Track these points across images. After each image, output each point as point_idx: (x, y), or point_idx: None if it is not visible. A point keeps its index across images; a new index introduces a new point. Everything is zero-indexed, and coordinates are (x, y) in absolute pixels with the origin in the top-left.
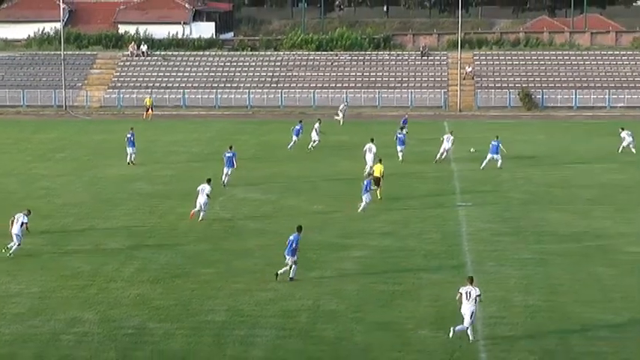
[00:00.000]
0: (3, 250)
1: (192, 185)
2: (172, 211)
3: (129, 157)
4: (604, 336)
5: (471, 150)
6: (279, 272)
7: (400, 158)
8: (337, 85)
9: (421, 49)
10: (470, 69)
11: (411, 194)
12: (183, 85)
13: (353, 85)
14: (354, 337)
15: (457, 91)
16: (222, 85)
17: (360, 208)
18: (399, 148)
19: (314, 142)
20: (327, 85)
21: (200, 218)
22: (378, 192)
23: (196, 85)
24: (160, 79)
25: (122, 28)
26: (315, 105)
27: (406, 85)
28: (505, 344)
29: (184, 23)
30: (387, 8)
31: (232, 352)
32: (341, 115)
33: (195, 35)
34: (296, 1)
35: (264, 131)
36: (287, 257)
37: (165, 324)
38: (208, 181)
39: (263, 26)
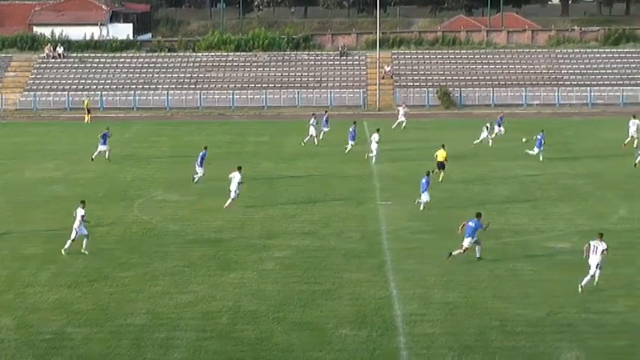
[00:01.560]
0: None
1: (110, 187)
2: (90, 214)
3: (97, 154)
4: (522, 331)
5: (523, 140)
6: (452, 253)
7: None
8: (256, 85)
9: (340, 48)
10: (388, 68)
11: (332, 194)
12: (101, 87)
13: (272, 85)
14: (274, 338)
15: (376, 90)
16: (141, 86)
17: (421, 207)
18: (350, 142)
19: (310, 136)
20: (246, 85)
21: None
22: (441, 175)
23: (114, 86)
24: (77, 81)
25: (38, 30)
26: (234, 106)
27: (325, 84)
28: (425, 341)
29: (101, 24)
30: (306, 8)
31: (152, 356)
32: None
33: (112, 37)
34: (214, 2)
35: (183, 132)
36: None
37: (84, 328)
38: (239, 169)
39: (181, 27)
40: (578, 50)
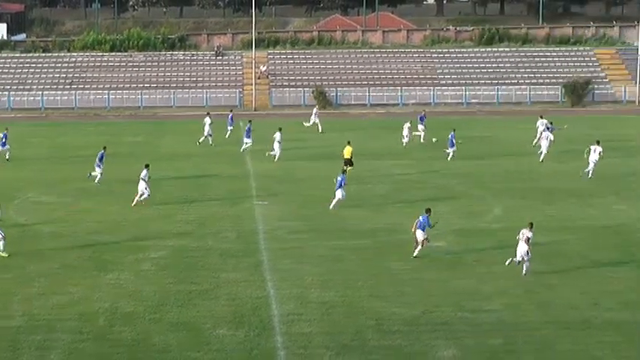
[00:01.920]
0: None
1: None
2: None
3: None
4: (398, 329)
5: (433, 140)
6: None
7: (243, 149)
8: (132, 85)
9: (215, 48)
10: (264, 68)
11: (208, 194)
12: None
13: (148, 85)
14: (152, 339)
15: (252, 90)
16: (15, 87)
17: (332, 205)
18: (246, 140)
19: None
20: (121, 85)
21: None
22: (346, 169)
23: None
24: None
25: None
26: (110, 106)
27: (201, 84)
28: (303, 340)
29: None
30: (182, 8)
31: (28, 358)
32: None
33: None
34: (89, 2)
35: (58, 133)
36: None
37: None
38: (147, 167)
39: (56, 27)
40: (453, 50)
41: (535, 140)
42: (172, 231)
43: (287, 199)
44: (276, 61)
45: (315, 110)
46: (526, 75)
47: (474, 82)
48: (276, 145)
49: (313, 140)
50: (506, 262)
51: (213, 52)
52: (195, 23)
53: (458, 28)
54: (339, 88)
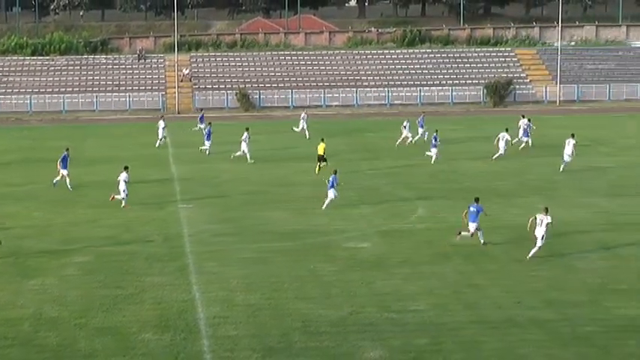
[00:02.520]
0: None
1: None
2: None
3: None
4: (325, 331)
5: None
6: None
7: (208, 152)
8: (54, 89)
9: (138, 52)
10: (187, 71)
11: (133, 198)
12: None
13: (70, 89)
14: (77, 344)
15: (175, 93)
16: None
17: (325, 205)
18: (207, 142)
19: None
20: (43, 89)
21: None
22: (319, 165)
23: None
24: None
25: None
26: (32, 110)
27: (124, 88)
28: (229, 343)
29: None
30: (103, 12)
31: None
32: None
33: None
34: (10, 6)
35: None
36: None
37: None
38: (126, 169)
39: None
40: (375, 51)
41: (516, 139)
42: (98, 235)
43: (211, 202)
44: (199, 64)
45: (303, 115)
46: (448, 76)
47: (397, 83)
48: (243, 145)
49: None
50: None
51: (136, 56)
52: (118, 27)
53: (380, 30)
54: (262, 91)
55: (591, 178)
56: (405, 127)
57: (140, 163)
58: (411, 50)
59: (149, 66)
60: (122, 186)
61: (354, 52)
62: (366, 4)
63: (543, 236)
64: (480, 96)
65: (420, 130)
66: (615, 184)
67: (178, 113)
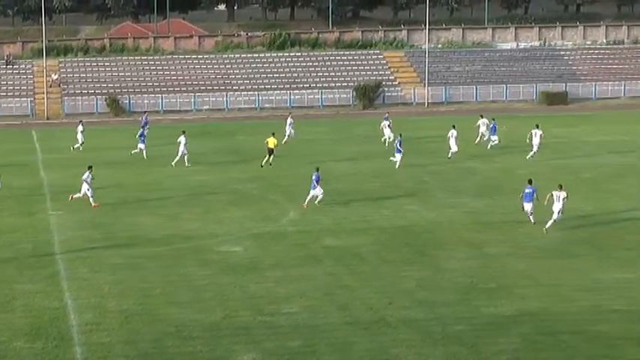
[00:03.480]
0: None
1: None
2: None
3: None
4: (198, 336)
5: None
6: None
7: (145, 156)
8: None
9: (5, 57)
10: (56, 76)
11: (1, 205)
12: None
13: None
14: None
15: (44, 99)
16: None
17: (316, 201)
18: (141, 145)
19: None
20: None
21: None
22: (269, 159)
23: None
24: None
25: None
26: None
27: None
28: (102, 351)
29: None
30: None
31: None
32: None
33: None
34: None
35: None
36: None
37: None
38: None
39: None
40: (245, 55)
41: (477, 139)
42: None
43: (81, 208)
44: (68, 70)
45: (289, 121)
46: (317, 79)
47: (267, 86)
48: (180, 148)
49: (107, 150)
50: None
51: (3, 61)
52: None
53: (249, 34)
54: (132, 95)
55: (460, 179)
56: (387, 126)
57: (9, 169)
58: (281, 54)
59: (17, 72)
60: (85, 186)
61: (223, 56)
62: (235, 7)
63: (560, 210)
64: (349, 98)
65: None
66: (483, 185)
67: (47, 119)
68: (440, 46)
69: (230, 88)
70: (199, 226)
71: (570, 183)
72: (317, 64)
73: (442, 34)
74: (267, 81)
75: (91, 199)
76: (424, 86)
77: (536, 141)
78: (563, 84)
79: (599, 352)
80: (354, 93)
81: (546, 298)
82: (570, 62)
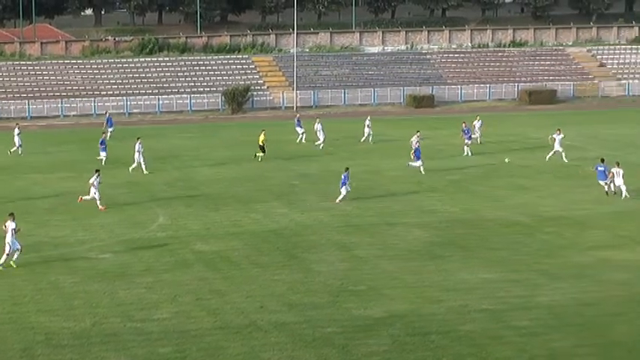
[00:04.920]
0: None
1: None
2: None
3: None
4: (68, 343)
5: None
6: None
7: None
8: None
9: None
10: None
11: None
12: None
13: None
14: None
15: None
16: None
17: (339, 200)
18: (102, 154)
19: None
20: None
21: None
22: (256, 154)
23: None
24: None
25: None
26: None
27: None
28: None
29: None
30: None
31: None
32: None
33: None
34: None
35: None
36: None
37: None
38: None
39: None
40: (112, 60)
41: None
42: None
43: None
44: None
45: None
46: (186, 84)
47: (135, 92)
48: (136, 155)
49: None
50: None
51: None
52: None
53: (117, 39)
54: None
55: (329, 182)
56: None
57: None
58: (149, 59)
59: None
60: (93, 190)
61: (91, 61)
62: (103, 12)
63: (622, 182)
64: (218, 103)
65: (300, 130)
66: (352, 187)
67: None
68: (308, 50)
69: (98, 93)
70: (68, 233)
71: (437, 184)
72: (185, 68)
73: (310, 38)
74: (135, 86)
75: (98, 202)
76: (293, 90)
77: (557, 144)
78: (430, 87)
79: (467, 351)
80: (223, 97)
81: (415, 299)
82: (437, 66)
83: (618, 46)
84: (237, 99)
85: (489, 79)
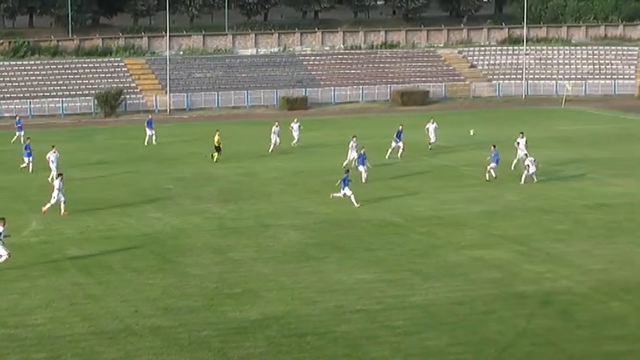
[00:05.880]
0: None
1: None
2: None
3: None
4: None
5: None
6: None
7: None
8: None
9: None
10: None
11: None
12: None
13: None
14: None
15: None
16: None
17: (354, 202)
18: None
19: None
20: None
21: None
22: (212, 155)
23: None
24: None
25: None
26: None
27: None
28: None
29: None
30: None
31: None
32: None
33: None
34: None
35: None
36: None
37: None
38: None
39: None
40: None
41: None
42: None
43: None
44: None
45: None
46: (58, 87)
47: (6, 95)
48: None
49: None
50: None
51: None
52: None
53: None
54: None
55: (203, 185)
56: (274, 132)
57: None
58: (20, 62)
59: None
60: (54, 192)
61: None
62: None
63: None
64: (91, 107)
65: (149, 132)
66: (226, 190)
67: None
68: (181, 52)
69: None
70: None
71: (313, 186)
72: (57, 72)
73: (183, 41)
74: (6, 90)
75: (62, 207)
76: (166, 93)
77: (521, 146)
78: (303, 89)
79: (343, 352)
80: (96, 101)
81: (291, 300)
82: (310, 67)
83: (488, 48)
84: (110, 102)
85: (362, 80)
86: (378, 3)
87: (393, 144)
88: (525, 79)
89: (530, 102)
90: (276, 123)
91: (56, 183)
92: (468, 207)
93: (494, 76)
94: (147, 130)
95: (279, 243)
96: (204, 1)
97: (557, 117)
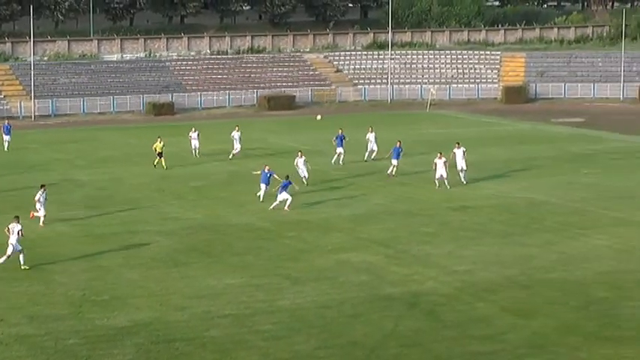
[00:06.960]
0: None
1: None
2: None
3: None
4: None
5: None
6: None
7: None
8: None
9: None
10: None
11: None
12: None
13: None
14: None
15: None
16: None
17: (286, 206)
18: None
19: None
20: None
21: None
22: (158, 161)
23: None
24: None
25: None
26: None
27: None
28: None
29: None
30: None
31: None
32: None
33: None
34: None
35: None
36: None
37: None
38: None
39: None
40: None
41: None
42: None
43: None
44: None
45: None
46: None
47: None
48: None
49: None
50: None
51: None
52: None
53: None
54: None
55: (68, 192)
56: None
57: None
58: None
59: None
60: (38, 205)
61: None
62: None
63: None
64: None
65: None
66: (92, 196)
67: None
68: (46, 58)
69: None
70: None
71: (180, 191)
72: None
73: (48, 46)
74: None
75: (41, 219)
76: (31, 99)
77: (459, 158)
78: (170, 94)
79: (211, 357)
80: None
81: (159, 307)
82: (176, 73)
83: (354, 52)
84: None
85: (229, 85)
86: (245, 8)
87: (339, 150)
88: (391, 83)
89: (395, 106)
90: (237, 127)
91: (38, 195)
92: (336, 210)
93: (360, 81)
94: (4, 136)
95: (146, 249)
96: (70, 6)
97: (422, 121)
